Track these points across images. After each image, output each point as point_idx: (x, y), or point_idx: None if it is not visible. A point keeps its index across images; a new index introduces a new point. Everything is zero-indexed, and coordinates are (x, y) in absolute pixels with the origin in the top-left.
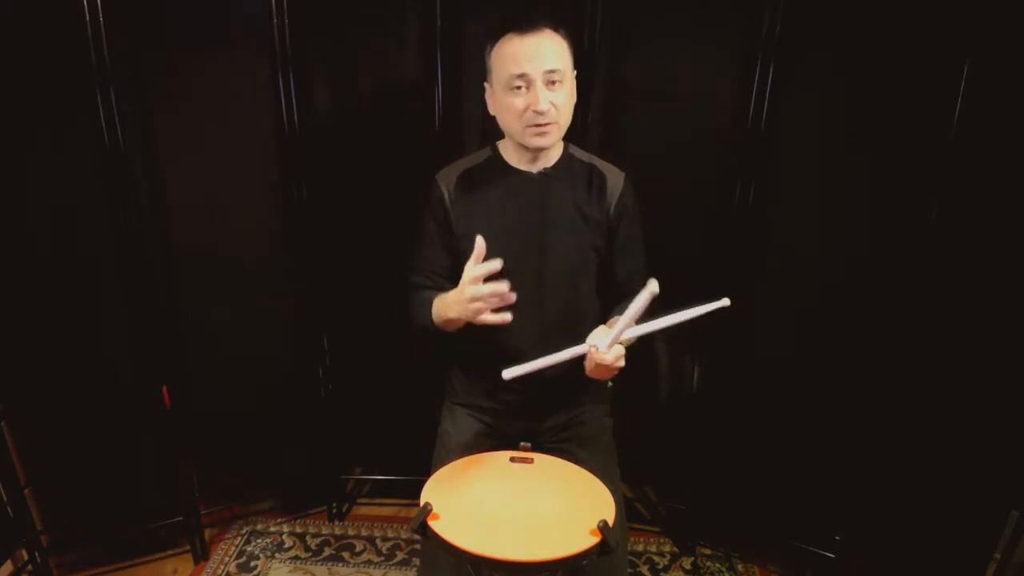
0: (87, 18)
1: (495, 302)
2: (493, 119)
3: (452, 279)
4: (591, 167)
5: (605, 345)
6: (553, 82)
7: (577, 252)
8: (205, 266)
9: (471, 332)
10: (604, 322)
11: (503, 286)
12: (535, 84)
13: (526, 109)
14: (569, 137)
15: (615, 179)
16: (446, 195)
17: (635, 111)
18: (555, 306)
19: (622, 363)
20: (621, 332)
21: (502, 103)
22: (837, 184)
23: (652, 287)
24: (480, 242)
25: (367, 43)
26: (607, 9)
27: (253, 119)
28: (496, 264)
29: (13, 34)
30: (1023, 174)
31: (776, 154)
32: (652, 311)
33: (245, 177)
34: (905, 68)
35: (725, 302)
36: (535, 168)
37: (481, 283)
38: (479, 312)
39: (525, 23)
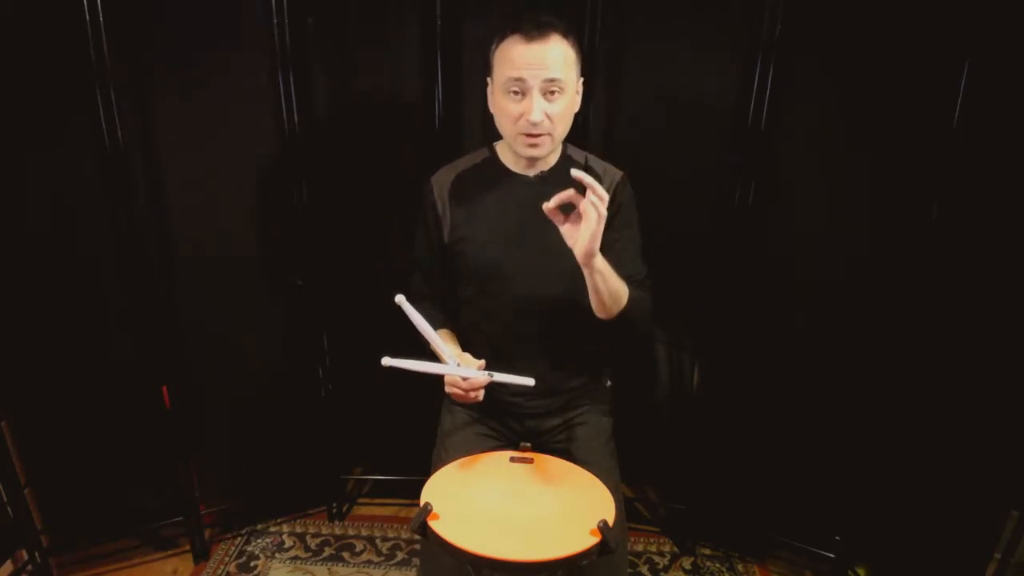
0: (87, 17)
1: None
2: (493, 119)
3: (443, 283)
4: (588, 169)
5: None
6: (552, 92)
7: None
8: (205, 266)
9: (469, 336)
10: (602, 324)
11: (477, 395)
12: (531, 92)
13: (520, 117)
14: (569, 137)
15: (610, 179)
16: (439, 203)
17: (635, 110)
18: (553, 309)
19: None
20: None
21: (498, 105)
22: (837, 184)
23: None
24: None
25: (367, 43)
26: (607, 9)
27: (253, 119)
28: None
29: (13, 33)
30: (1023, 174)
31: (776, 153)
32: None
33: (245, 177)
34: (905, 68)
35: (530, 382)
36: (532, 172)
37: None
38: (453, 394)
39: (533, 28)
